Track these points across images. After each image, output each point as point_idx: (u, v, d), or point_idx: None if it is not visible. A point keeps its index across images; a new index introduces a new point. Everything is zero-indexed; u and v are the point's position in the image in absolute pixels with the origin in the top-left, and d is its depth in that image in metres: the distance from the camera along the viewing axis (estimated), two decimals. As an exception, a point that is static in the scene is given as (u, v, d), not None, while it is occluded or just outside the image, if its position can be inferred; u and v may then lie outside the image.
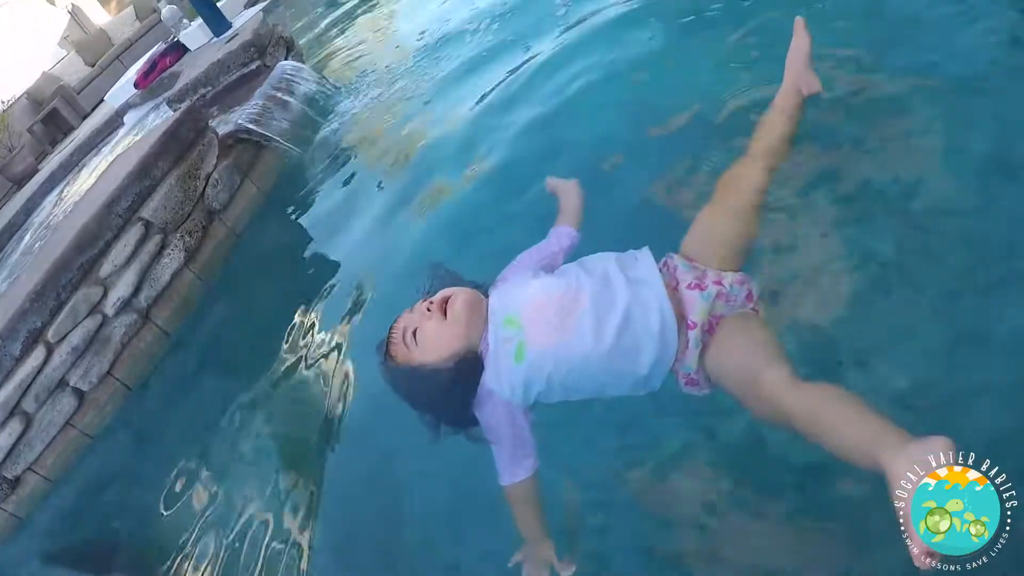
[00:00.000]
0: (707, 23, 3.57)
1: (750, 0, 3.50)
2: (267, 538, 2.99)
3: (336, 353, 3.42)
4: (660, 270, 1.95)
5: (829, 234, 2.31)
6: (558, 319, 1.87)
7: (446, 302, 2.03)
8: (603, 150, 3.26)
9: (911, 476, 1.21)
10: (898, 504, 1.22)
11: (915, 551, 1.19)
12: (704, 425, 2.17)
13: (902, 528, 1.22)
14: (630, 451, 2.28)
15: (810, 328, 2.15)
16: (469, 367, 1.97)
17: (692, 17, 3.67)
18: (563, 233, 2.32)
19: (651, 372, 1.85)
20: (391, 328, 2.12)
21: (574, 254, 2.26)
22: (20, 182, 11.59)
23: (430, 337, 2.00)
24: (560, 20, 4.38)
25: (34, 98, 13.50)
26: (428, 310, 2.03)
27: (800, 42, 2.08)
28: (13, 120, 12.74)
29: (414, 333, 2.03)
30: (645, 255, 1.99)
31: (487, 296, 2.10)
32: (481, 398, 1.98)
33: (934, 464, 1.22)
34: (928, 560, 1.18)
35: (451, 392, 1.98)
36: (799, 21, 2.09)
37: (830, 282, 2.22)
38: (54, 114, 13.04)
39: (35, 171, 11.54)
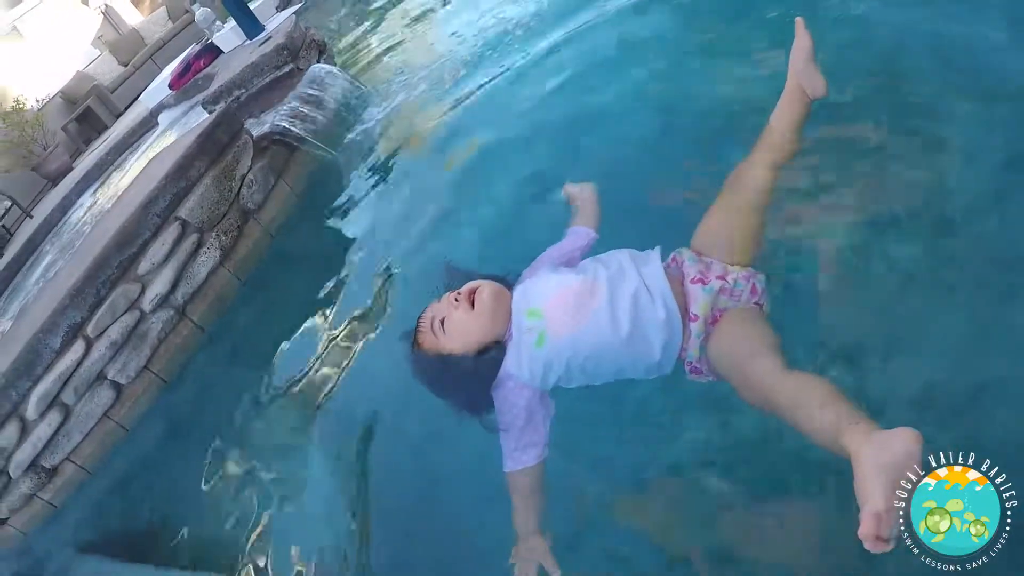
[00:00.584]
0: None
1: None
2: (297, 527, 3.08)
3: (362, 349, 3.52)
4: (670, 265, 2.09)
5: (851, 234, 2.36)
6: (576, 309, 1.99)
7: (473, 293, 2.14)
8: (633, 152, 3.31)
9: (877, 462, 1.26)
10: (858, 486, 1.28)
11: (862, 531, 1.22)
12: (719, 420, 2.23)
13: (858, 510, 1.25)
14: (645, 447, 2.34)
15: (829, 326, 2.22)
16: (492, 353, 2.08)
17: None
18: (580, 233, 2.46)
19: (663, 358, 1.98)
20: (419, 317, 2.24)
21: (592, 251, 2.38)
22: (55, 180, 11.76)
23: (457, 326, 2.12)
24: (596, 24, 4.40)
25: (68, 97, 13.66)
26: (456, 301, 2.13)
27: (801, 42, 2.07)
28: (48, 119, 12.89)
29: (442, 322, 2.13)
30: (655, 253, 2.12)
31: (510, 289, 2.20)
32: (500, 381, 2.09)
33: (898, 448, 1.27)
34: (876, 540, 1.22)
35: (473, 376, 2.10)
36: (799, 21, 2.10)
37: (850, 279, 2.28)
38: (88, 113, 13.18)
39: (69, 169, 11.71)
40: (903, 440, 1.26)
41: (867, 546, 1.22)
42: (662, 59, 3.71)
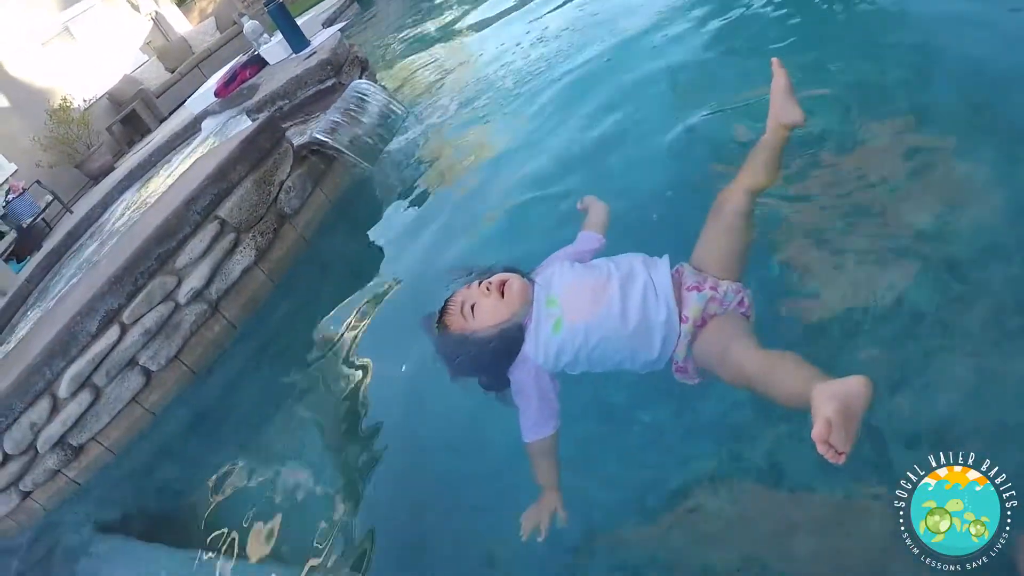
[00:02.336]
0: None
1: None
2: (314, 519, 3.19)
3: (385, 356, 3.62)
4: (674, 274, 2.28)
5: (864, 268, 2.43)
6: (592, 300, 2.24)
7: (503, 284, 2.38)
8: (669, 174, 3.40)
9: (831, 392, 1.47)
10: (814, 411, 1.47)
11: (815, 433, 1.42)
12: (730, 450, 2.31)
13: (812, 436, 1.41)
14: (659, 468, 2.41)
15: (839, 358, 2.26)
16: (513, 337, 2.32)
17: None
18: (591, 237, 2.72)
19: (660, 353, 2.20)
20: (448, 302, 2.49)
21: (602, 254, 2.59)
22: (97, 178, 12.04)
23: (487, 312, 2.37)
24: (636, 42, 4.53)
25: (115, 99, 13.94)
26: (488, 290, 2.38)
27: (778, 79, 2.31)
28: (93, 119, 13.18)
29: (472, 307, 2.38)
30: (664, 260, 2.34)
31: (532, 282, 2.44)
32: (517, 363, 2.35)
33: (851, 385, 1.44)
34: (826, 445, 1.41)
35: (495, 356, 2.35)
36: (775, 61, 2.34)
37: (862, 311, 2.32)
38: (133, 116, 13.45)
39: (111, 168, 11.98)
40: (855, 381, 1.48)
41: (819, 449, 1.41)
42: (707, 94, 3.75)
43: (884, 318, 2.27)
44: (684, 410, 2.44)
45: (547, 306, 2.33)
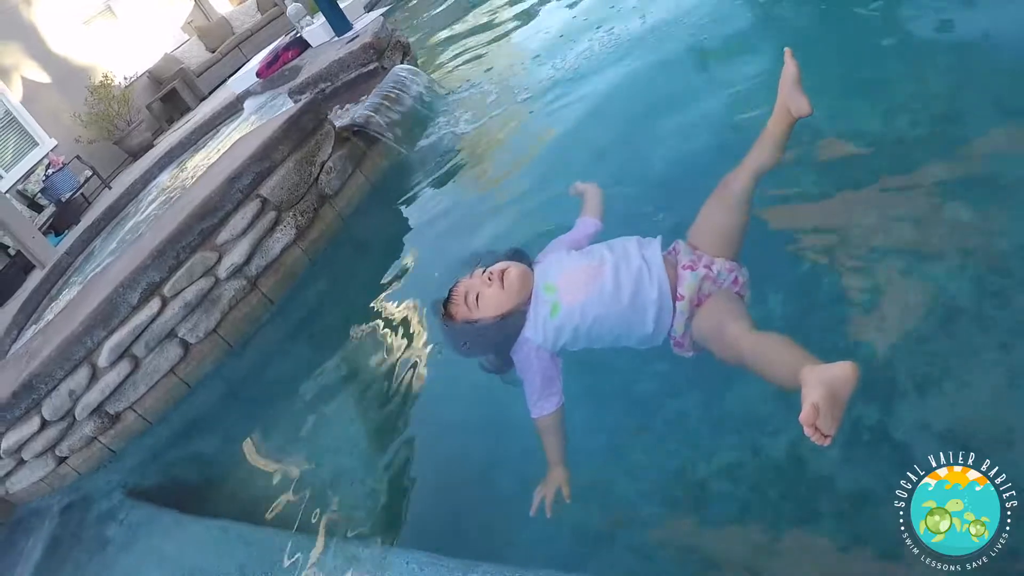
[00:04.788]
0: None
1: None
2: (343, 492, 3.24)
3: (416, 334, 3.68)
4: (668, 253, 2.42)
5: (906, 264, 2.45)
6: (586, 283, 2.39)
7: (503, 273, 2.49)
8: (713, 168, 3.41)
9: (820, 378, 1.52)
10: (803, 394, 1.52)
11: (802, 416, 1.48)
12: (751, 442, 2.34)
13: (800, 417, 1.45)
14: (684, 459, 2.45)
15: (871, 353, 2.27)
16: (513, 322, 2.48)
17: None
18: (588, 223, 2.87)
19: (654, 329, 2.32)
20: (452, 292, 2.60)
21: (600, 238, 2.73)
22: (136, 154, 12.18)
23: (489, 300, 2.49)
24: (681, 39, 4.51)
25: (155, 77, 14.09)
26: (489, 279, 2.49)
27: (789, 68, 2.34)
28: (134, 96, 13.33)
29: (476, 297, 2.49)
30: (657, 241, 2.47)
31: (528, 260, 2.62)
32: (519, 345, 2.49)
33: (839, 371, 1.49)
34: (812, 428, 1.47)
35: (497, 341, 2.50)
36: (787, 51, 2.37)
37: (900, 309, 2.34)
38: (173, 94, 13.59)
39: (150, 145, 12.12)
40: (843, 367, 1.53)
41: (806, 431, 1.47)
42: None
43: (920, 313, 2.28)
44: (710, 401, 2.50)
45: (545, 292, 2.46)
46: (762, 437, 2.30)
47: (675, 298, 2.31)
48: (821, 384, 1.51)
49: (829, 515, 2.05)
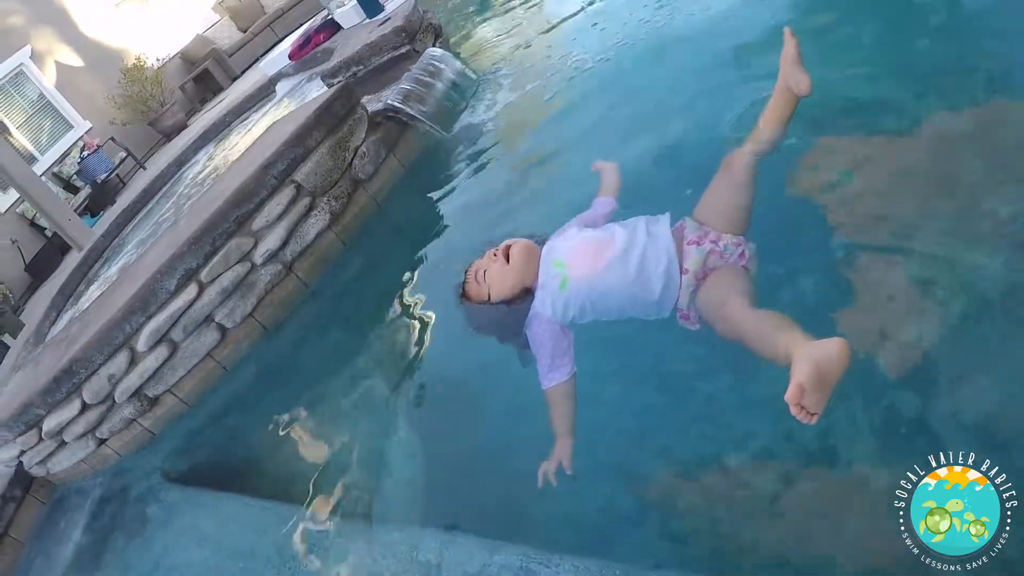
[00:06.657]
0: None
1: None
2: (375, 472, 3.28)
3: (448, 318, 3.63)
4: (676, 229, 2.47)
5: (936, 252, 2.40)
6: (594, 257, 2.49)
7: (508, 248, 2.63)
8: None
9: (810, 355, 1.56)
10: (792, 371, 1.56)
11: (788, 395, 1.52)
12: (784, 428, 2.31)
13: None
14: (715, 443, 2.46)
15: (897, 342, 2.25)
16: (522, 296, 2.62)
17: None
18: (604, 202, 2.96)
19: (660, 301, 2.41)
20: (465, 272, 2.75)
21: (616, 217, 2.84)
22: (169, 135, 12.27)
23: (496, 276, 2.63)
24: (714, 33, 4.43)
25: (187, 58, 14.17)
26: (495, 256, 2.63)
27: (788, 47, 2.39)
28: (167, 77, 13.42)
29: (484, 273, 2.63)
30: (665, 217, 2.56)
31: (541, 245, 2.70)
32: (531, 319, 2.60)
33: (830, 348, 1.51)
34: (798, 407, 1.51)
35: (509, 315, 2.65)
36: (786, 29, 2.42)
37: (928, 299, 2.31)
38: (205, 75, 13.66)
39: (184, 126, 12.20)
40: (832, 344, 1.56)
41: (792, 411, 1.50)
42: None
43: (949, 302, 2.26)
44: (742, 384, 2.49)
45: (554, 267, 2.56)
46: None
47: (682, 272, 2.39)
48: (809, 361, 1.54)
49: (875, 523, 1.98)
